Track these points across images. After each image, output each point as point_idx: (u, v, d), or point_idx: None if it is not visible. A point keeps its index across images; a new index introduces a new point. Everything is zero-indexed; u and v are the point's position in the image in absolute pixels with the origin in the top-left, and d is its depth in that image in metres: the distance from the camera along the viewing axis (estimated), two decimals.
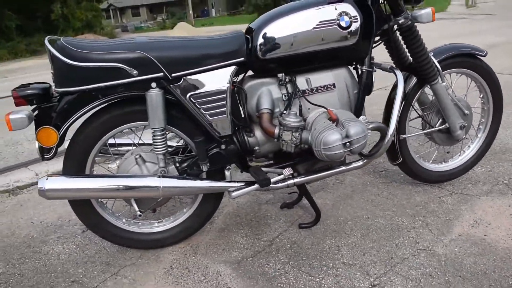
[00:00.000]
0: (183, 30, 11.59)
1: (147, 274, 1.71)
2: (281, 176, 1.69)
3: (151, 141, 1.88)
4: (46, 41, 1.48)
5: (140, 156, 1.68)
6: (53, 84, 1.55)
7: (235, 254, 1.79)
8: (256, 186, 1.69)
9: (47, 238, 2.05)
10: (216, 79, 1.59)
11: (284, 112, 1.68)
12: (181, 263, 1.76)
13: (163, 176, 1.61)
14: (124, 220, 1.83)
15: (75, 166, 1.65)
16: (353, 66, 1.82)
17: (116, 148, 1.84)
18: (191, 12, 22.46)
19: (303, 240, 1.83)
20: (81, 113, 1.57)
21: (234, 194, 1.69)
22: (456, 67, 1.91)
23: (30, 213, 2.30)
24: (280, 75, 1.67)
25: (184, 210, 1.85)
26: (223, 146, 1.66)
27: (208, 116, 1.61)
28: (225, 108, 1.62)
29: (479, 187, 2.12)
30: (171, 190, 1.60)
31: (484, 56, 1.92)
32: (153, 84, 1.53)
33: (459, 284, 1.50)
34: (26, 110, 1.51)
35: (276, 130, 1.63)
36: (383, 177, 2.33)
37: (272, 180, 1.68)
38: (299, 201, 2.08)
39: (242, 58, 1.61)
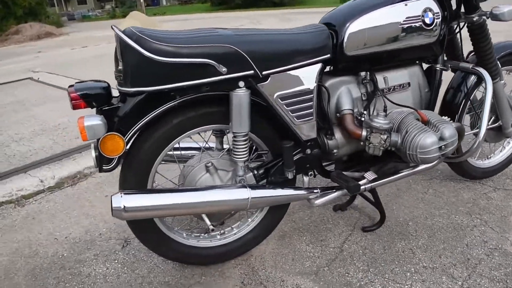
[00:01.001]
0: (136, 20, 10.93)
1: None
2: (365, 180, 1.61)
3: (215, 145, 1.73)
4: (117, 30, 1.26)
5: (212, 163, 1.51)
6: (110, 82, 1.35)
7: (308, 264, 1.69)
8: (341, 192, 1.60)
9: (82, 256, 1.81)
10: (303, 78, 1.47)
11: (364, 112, 1.60)
12: (253, 278, 1.63)
13: (251, 187, 1.46)
14: (184, 235, 1.65)
15: (137, 177, 1.45)
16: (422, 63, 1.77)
17: (180, 153, 1.65)
18: (142, 0, 21.34)
19: (373, 244, 1.78)
20: (151, 116, 1.37)
21: (318, 201, 1.59)
22: (510, 64, 1.94)
23: (48, 227, 2.02)
24: (362, 73, 1.58)
25: (249, 220, 1.71)
26: (308, 151, 1.55)
27: (295, 119, 1.48)
28: (312, 110, 1.50)
29: None
30: (260, 200, 1.46)
31: None
32: (241, 83, 1.37)
33: None
34: (97, 115, 1.29)
35: (364, 133, 1.54)
36: (421, 174, 2.33)
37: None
38: (351, 202, 2.02)
39: (328, 55, 1.50)
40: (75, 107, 1.31)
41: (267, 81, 1.41)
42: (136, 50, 1.24)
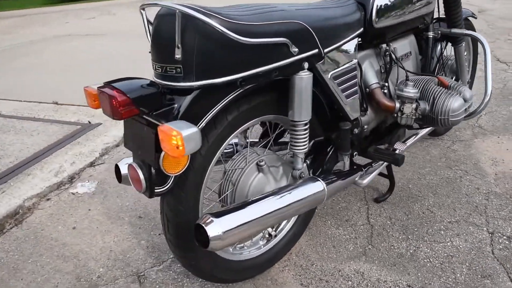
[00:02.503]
0: None
1: None
2: (399, 152, 1.62)
3: (238, 140, 1.53)
4: (174, 5, 0.98)
5: (264, 161, 1.33)
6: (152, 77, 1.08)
7: (351, 247, 1.64)
8: (381, 167, 1.58)
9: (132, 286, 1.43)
10: (348, 54, 1.38)
11: (386, 84, 1.59)
12: (309, 276, 1.51)
13: (324, 179, 1.32)
14: (231, 249, 1.43)
15: (191, 192, 1.19)
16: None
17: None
18: None
19: (394, 212, 1.82)
20: (210, 116, 1.12)
21: (365, 181, 1.54)
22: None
23: (64, 253, 1.53)
24: (383, 45, 1.57)
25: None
26: (355, 130, 1.47)
27: (345, 98, 1.39)
28: (357, 87, 1.43)
29: (465, 133, 2.49)
30: (332, 191, 1.34)
31: (475, 18, 2.22)
32: (305, 65, 1.22)
33: None
34: (181, 120, 1.00)
35: (397, 104, 1.54)
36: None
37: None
38: None
39: (362, 29, 1.44)
40: (122, 116, 0.99)
41: (322, 61, 1.29)
42: (214, 29, 0.98)
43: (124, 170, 1.32)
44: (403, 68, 1.63)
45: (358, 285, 1.47)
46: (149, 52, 1.10)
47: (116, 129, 2.60)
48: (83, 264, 1.61)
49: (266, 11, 1.13)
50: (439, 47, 2.00)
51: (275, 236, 1.50)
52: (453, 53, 2.05)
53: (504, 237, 1.65)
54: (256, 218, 1.12)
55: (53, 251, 1.69)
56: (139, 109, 1.00)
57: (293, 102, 1.25)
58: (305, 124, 1.30)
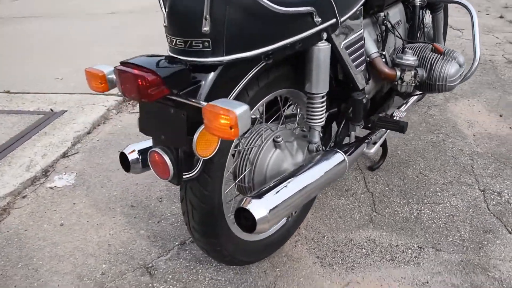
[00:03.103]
0: None
1: (309, 277, 1.40)
2: (399, 119, 1.63)
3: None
4: None
5: (281, 137, 1.28)
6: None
7: (357, 216, 1.65)
8: (385, 134, 1.58)
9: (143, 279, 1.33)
10: (355, 23, 1.34)
11: (383, 53, 1.59)
12: (323, 249, 1.51)
13: (342, 150, 1.29)
14: None
15: (217, 167, 1.11)
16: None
17: None
18: None
19: (391, 179, 1.85)
20: (236, 92, 1.05)
21: (372, 150, 1.54)
22: None
23: (58, 253, 1.38)
24: (381, 14, 1.55)
25: None
26: (364, 100, 1.45)
27: (355, 68, 1.36)
28: (364, 56, 1.40)
29: (437, 98, 2.58)
30: (351, 162, 1.32)
31: None
32: (324, 35, 1.17)
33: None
34: (234, 101, 0.91)
35: (398, 72, 1.54)
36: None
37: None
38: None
39: None
40: (153, 97, 0.89)
41: (337, 30, 1.24)
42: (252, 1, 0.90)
43: (132, 157, 1.22)
44: (400, 37, 1.63)
45: (372, 252, 1.49)
46: (164, 25, 1.00)
47: (84, 115, 2.41)
48: (81, 262, 1.49)
49: None
50: (421, 15, 2.02)
51: (295, 212, 1.47)
52: (427, 20, 2.09)
53: (495, 193, 1.74)
54: (295, 194, 1.08)
55: (43, 252, 1.54)
56: (169, 89, 0.90)
57: (311, 75, 1.20)
58: (322, 97, 1.27)
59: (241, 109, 0.83)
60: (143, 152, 1.23)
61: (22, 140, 2.16)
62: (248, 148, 1.26)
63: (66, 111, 2.46)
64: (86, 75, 1.07)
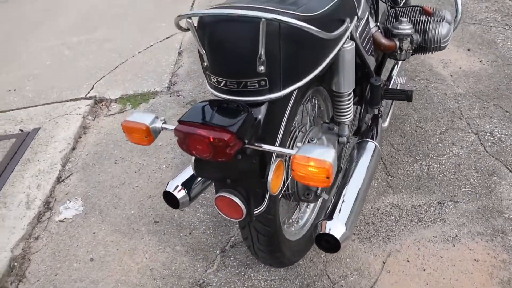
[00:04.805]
0: None
1: (353, 255, 1.49)
2: (401, 86, 1.68)
3: None
4: (275, 15, 0.82)
5: (315, 138, 1.29)
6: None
7: (375, 184, 1.75)
8: (391, 105, 1.64)
9: None
10: (363, 9, 1.32)
11: (378, 24, 1.59)
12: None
13: (371, 137, 1.34)
14: (293, 229, 1.43)
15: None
16: None
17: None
18: None
19: (392, 138, 1.94)
20: (288, 114, 1.04)
21: (386, 123, 1.60)
22: None
23: None
24: None
25: None
26: (382, 84, 1.47)
27: (366, 54, 1.36)
28: (372, 38, 1.40)
29: None
30: (380, 144, 1.37)
31: None
32: (349, 34, 1.15)
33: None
34: (318, 145, 0.90)
35: (397, 42, 1.56)
36: None
37: None
38: None
39: None
40: (232, 156, 0.86)
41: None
42: (300, 31, 0.86)
43: (178, 194, 1.19)
44: (391, 4, 1.63)
45: (400, 217, 1.60)
46: (205, 65, 0.94)
47: (61, 130, 2.24)
48: None
49: None
50: None
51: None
52: None
53: (488, 134, 1.89)
54: (356, 198, 1.12)
55: None
56: (243, 141, 0.88)
57: (339, 75, 1.20)
58: (349, 94, 1.27)
59: (331, 155, 0.83)
60: (186, 185, 1.21)
61: (5, 174, 2.00)
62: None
63: (39, 128, 2.27)
64: (124, 129, 1.00)
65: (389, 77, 1.73)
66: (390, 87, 1.69)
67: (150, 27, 3.32)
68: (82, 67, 2.88)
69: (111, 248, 1.66)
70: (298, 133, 1.26)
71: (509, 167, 1.72)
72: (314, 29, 0.86)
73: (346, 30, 1.06)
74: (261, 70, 0.87)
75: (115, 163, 2.07)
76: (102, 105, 2.47)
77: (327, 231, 1.01)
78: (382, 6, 1.67)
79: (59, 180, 2.00)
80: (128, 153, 2.11)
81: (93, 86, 2.63)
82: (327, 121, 1.43)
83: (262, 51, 0.84)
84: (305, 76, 0.96)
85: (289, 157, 0.93)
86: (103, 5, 3.87)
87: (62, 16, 3.76)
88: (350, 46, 1.16)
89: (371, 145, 1.32)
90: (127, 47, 3.03)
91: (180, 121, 0.88)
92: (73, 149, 2.18)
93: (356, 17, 1.17)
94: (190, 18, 0.88)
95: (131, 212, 1.80)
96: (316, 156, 0.83)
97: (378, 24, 1.58)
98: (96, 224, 1.77)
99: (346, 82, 1.22)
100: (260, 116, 0.95)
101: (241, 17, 0.84)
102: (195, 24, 0.91)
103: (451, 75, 2.29)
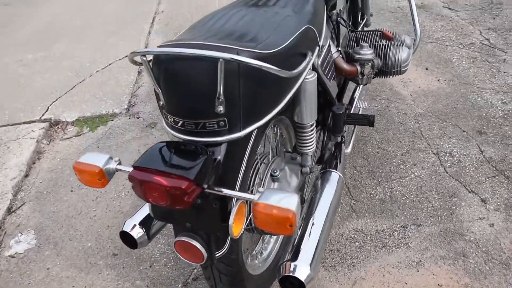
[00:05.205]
0: None
1: (319, 285, 1.47)
2: (363, 111, 1.68)
3: None
4: (196, 51, 0.79)
5: (277, 170, 1.26)
6: None
7: (338, 208, 1.74)
8: (354, 130, 1.65)
9: None
10: (324, 37, 1.32)
11: (339, 49, 1.60)
12: None
13: (333, 167, 1.32)
14: (256, 261, 1.39)
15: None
16: None
17: None
18: None
19: (355, 160, 1.95)
20: (247, 157, 1.01)
21: (349, 149, 1.59)
22: None
23: None
24: (333, 11, 1.53)
25: None
26: (344, 112, 1.46)
27: (329, 81, 1.35)
28: (333, 66, 1.39)
29: None
30: (343, 174, 1.36)
31: None
32: (310, 66, 1.14)
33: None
34: (280, 191, 0.86)
35: (359, 68, 1.56)
36: None
37: None
38: None
39: (324, 3, 1.37)
40: (190, 204, 0.81)
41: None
42: (260, 69, 0.82)
43: (136, 233, 1.13)
44: (352, 29, 1.64)
45: (364, 242, 1.60)
46: (161, 104, 0.90)
47: (13, 156, 2.12)
48: None
49: (279, 23, 0.99)
50: None
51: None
52: None
53: (447, 154, 1.93)
54: (320, 234, 1.09)
55: None
56: (201, 187, 0.83)
57: (301, 106, 1.18)
58: (312, 125, 1.26)
59: (294, 203, 0.80)
60: (144, 223, 1.15)
61: None
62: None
63: None
64: (76, 171, 0.94)
65: (351, 100, 1.74)
66: (352, 111, 1.70)
67: (109, 42, 3.23)
68: (37, 86, 2.75)
69: (66, 285, 1.57)
70: (260, 164, 1.23)
71: (468, 188, 1.76)
72: (274, 69, 0.83)
73: (308, 64, 1.04)
74: (220, 110, 0.83)
75: (72, 190, 1.97)
76: (58, 128, 2.36)
77: (291, 273, 0.98)
78: (343, 30, 1.68)
79: (9, 210, 1.88)
80: None
81: (48, 107, 2.51)
82: (289, 150, 1.40)
83: (220, 91, 0.80)
84: (266, 115, 0.93)
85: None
86: (65, 16, 3.74)
87: (18, 30, 3.60)
88: (312, 77, 1.14)
89: (334, 176, 1.30)
90: (85, 66, 2.93)
91: (134, 167, 0.83)
92: (26, 176, 2.06)
93: (317, 48, 1.15)
94: (144, 55, 0.83)
95: (88, 245, 1.71)
96: (279, 204, 0.79)
97: (340, 49, 1.58)
98: (50, 259, 1.66)
99: (309, 113, 1.20)
100: (219, 157, 0.91)
101: (185, 56, 0.81)
102: (151, 58, 0.87)
103: (411, 95, 2.34)
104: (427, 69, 2.55)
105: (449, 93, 2.32)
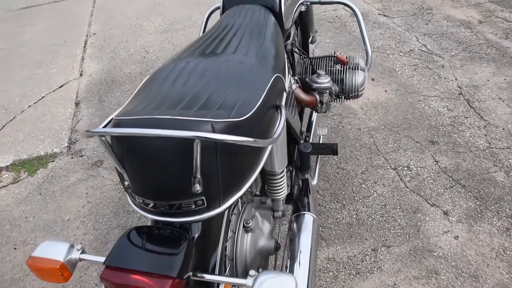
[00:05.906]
0: None
1: None
2: (323, 136, 1.65)
3: None
4: (167, 132, 0.70)
5: (249, 221, 1.19)
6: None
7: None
8: (317, 160, 1.61)
9: None
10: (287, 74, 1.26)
11: (296, 78, 1.55)
12: None
13: (306, 209, 1.27)
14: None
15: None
16: None
17: None
18: None
19: (317, 184, 1.92)
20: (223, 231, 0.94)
21: (315, 181, 1.55)
22: None
23: None
24: (289, 41, 1.48)
25: None
26: (310, 150, 1.41)
27: (293, 118, 1.30)
28: (295, 102, 1.34)
29: None
30: (316, 213, 1.31)
31: None
32: (284, 120, 1.07)
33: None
34: (282, 274, 0.77)
35: (317, 96, 1.52)
36: None
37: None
38: None
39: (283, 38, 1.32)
40: None
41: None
42: (235, 144, 0.75)
43: None
44: (307, 56, 1.60)
45: (338, 271, 1.57)
46: (127, 184, 0.78)
47: None
48: None
49: (247, 77, 0.91)
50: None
51: None
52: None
53: (405, 168, 1.96)
54: (308, 282, 1.04)
55: None
56: (185, 279, 0.73)
57: (272, 156, 1.11)
58: (283, 171, 1.19)
59: (292, 285, 0.73)
60: None
61: None
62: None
63: None
64: (32, 268, 0.80)
65: (309, 127, 1.71)
66: (311, 140, 1.66)
67: (40, 73, 2.97)
68: None
69: None
70: (231, 216, 1.15)
71: (430, 202, 1.79)
72: (255, 142, 0.75)
73: (281, 120, 0.97)
74: (198, 190, 0.74)
75: (15, 248, 1.76)
76: None
77: None
78: (296, 56, 1.65)
79: None
80: (29, 233, 1.81)
81: None
82: (258, 193, 1.33)
83: (197, 170, 0.71)
84: (246, 183, 0.84)
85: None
86: None
87: None
88: (283, 126, 1.08)
89: (308, 219, 1.25)
90: (14, 100, 2.66)
91: (107, 265, 0.71)
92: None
93: (285, 92, 1.09)
94: (103, 136, 0.71)
95: None
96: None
97: (296, 78, 1.54)
98: None
99: (280, 160, 1.13)
100: (196, 235, 0.82)
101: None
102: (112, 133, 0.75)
103: (361, 108, 2.36)
104: (373, 79, 2.59)
105: (398, 104, 2.37)
